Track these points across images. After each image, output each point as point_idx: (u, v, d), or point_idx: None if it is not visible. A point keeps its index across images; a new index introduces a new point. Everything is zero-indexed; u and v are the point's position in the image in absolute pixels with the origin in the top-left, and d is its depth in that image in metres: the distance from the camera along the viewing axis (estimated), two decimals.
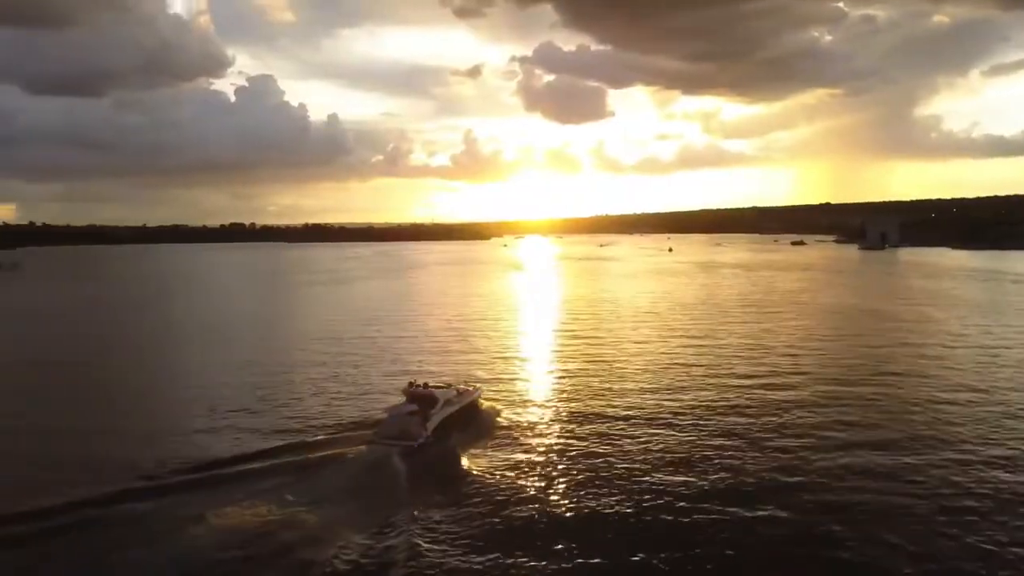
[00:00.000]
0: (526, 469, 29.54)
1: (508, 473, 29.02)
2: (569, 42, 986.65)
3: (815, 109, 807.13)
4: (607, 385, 44.15)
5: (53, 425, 36.52)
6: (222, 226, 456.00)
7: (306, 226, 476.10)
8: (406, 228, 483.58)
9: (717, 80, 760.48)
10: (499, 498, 26.27)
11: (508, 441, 33.79)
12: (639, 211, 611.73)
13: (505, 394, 42.95)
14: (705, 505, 25.34)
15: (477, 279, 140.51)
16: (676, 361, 50.98)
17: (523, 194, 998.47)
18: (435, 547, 22.47)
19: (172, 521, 23.35)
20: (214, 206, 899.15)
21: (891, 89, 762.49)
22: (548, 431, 35.29)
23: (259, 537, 22.39)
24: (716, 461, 29.97)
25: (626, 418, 36.79)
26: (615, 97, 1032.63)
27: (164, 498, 25.41)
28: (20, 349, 61.51)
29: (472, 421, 36.62)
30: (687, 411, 37.79)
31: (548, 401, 41.17)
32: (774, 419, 36.05)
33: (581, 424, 36.02)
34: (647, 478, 28.06)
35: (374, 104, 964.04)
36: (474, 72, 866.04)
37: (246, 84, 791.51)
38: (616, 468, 29.33)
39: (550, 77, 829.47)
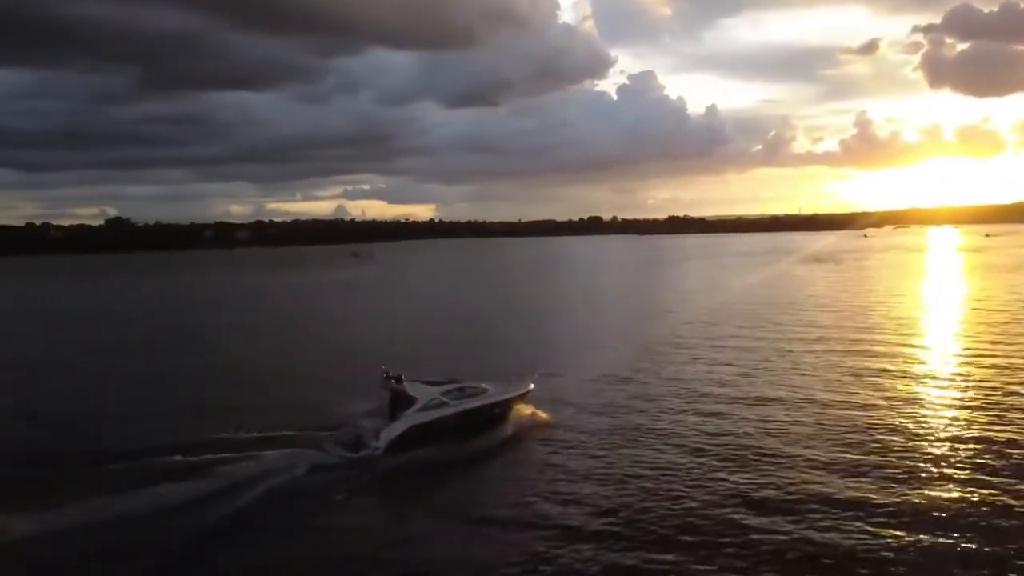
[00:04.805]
0: (481, 532, 21.78)
1: (447, 526, 22.31)
2: (990, 2, 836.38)
3: None
4: (752, 415, 32.88)
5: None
6: (581, 220, 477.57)
7: (669, 218, 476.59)
8: (767, 220, 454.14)
9: None
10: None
11: (514, 476, 26.40)
12: None
13: (575, 403, 35.24)
14: None
15: (725, 272, 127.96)
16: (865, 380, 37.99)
17: (926, 180, 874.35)
18: None
19: None
20: (593, 202, 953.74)
21: None
22: (597, 474, 25.84)
23: None
24: None
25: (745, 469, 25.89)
26: None
27: None
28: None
29: (487, 432, 29.72)
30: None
31: (639, 422, 31.92)
32: None
33: (660, 469, 25.75)
34: None
35: (754, 92, 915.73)
36: (868, 48, 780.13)
37: (627, 82, 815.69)
38: None
39: (964, 45, 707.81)
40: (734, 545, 19.88)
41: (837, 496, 22.84)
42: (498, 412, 31.09)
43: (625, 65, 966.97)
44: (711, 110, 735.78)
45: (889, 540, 19.88)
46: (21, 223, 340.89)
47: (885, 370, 40.68)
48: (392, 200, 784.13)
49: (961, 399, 34.36)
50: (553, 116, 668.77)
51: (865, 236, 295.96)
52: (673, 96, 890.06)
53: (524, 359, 42.39)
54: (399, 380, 30.04)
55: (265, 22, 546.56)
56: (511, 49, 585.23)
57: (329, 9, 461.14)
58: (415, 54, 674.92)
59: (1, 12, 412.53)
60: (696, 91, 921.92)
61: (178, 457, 26.53)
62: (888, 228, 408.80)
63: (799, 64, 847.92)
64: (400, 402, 29.60)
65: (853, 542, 19.84)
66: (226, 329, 68.35)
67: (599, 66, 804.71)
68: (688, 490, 23.74)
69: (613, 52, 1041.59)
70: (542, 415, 32.74)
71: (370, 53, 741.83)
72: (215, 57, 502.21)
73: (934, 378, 38.85)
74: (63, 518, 21.32)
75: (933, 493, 22.95)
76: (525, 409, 32.65)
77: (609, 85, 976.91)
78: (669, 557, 19.46)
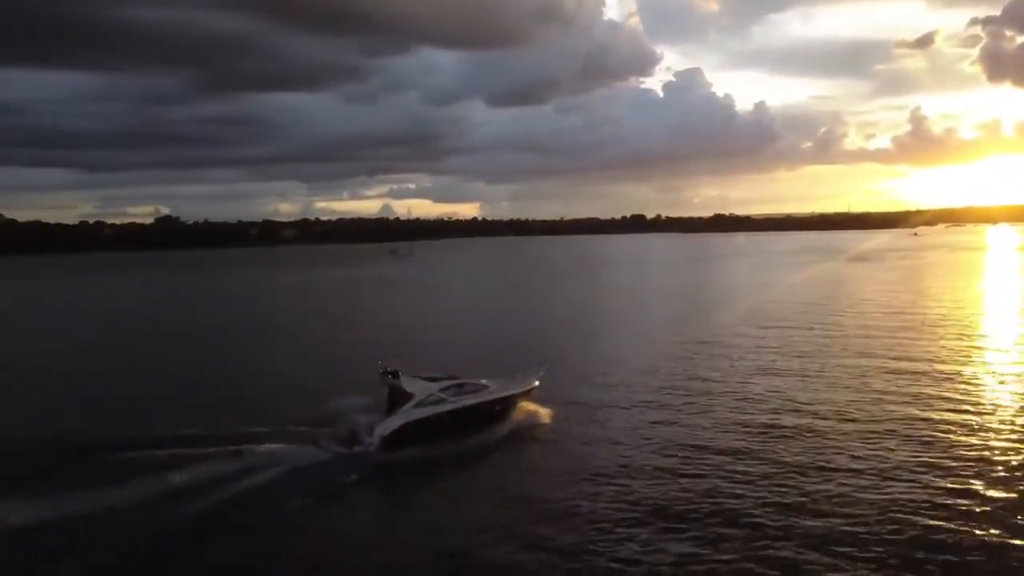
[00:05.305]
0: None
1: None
2: None
3: None
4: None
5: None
6: (623, 218, 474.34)
7: (714, 216, 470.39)
8: (815, 218, 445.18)
9: None
10: None
11: (506, 477, 25.94)
12: None
13: (580, 403, 34.81)
14: None
15: (759, 272, 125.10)
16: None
17: (984, 177, 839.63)
18: None
19: None
20: (639, 200, 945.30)
21: None
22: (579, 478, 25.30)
23: None
24: None
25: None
26: None
27: None
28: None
29: (485, 430, 29.38)
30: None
31: (641, 424, 31.26)
32: None
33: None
34: None
35: (804, 88, 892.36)
36: (924, 42, 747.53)
37: (673, 79, 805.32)
38: None
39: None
40: (729, 559, 19.33)
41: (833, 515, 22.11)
42: (498, 409, 30.68)
43: (671, 62, 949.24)
44: (759, 107, 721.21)
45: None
46: (76, 222, 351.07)
47: (893, 373, 39.59)
48: (437, 199, 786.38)
49: (975, 406, 32.99)
50: (598, 114, 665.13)
51: (915, 235, 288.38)
52: (720, 93, 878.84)
53: (536, 356, 41.77)
54: (396, 375, 29.90)
55: (314, 23, 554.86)
56: (557, 47, 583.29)
57: (376, 9, 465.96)
58: (461, 53, 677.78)
59: (61, 16, 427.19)
60: (744, 88, 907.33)
61: (170, 451, 26.84)
62: (940, 226, 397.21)
63: (851, 59, 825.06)
64: (397, 398, 29.51)
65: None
66: (243, 325, 69.48)
67: (645, 63, 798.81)
68: (683, 497, 23.19)
69: (659, 49, 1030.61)
70: (544, 413, 32.24)
71: (417, 53, 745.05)
72: (265, 59, 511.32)
73: (942, 383, 37.28)
74: (49, 510, 21.78)
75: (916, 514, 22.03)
76: (528, 407, 32.26)
77: (655, 82, 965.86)
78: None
